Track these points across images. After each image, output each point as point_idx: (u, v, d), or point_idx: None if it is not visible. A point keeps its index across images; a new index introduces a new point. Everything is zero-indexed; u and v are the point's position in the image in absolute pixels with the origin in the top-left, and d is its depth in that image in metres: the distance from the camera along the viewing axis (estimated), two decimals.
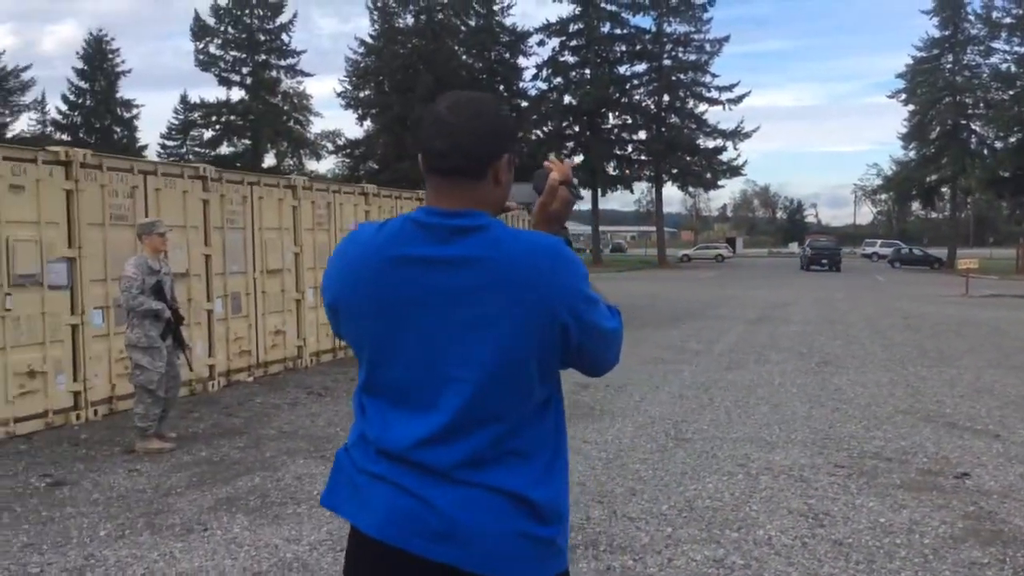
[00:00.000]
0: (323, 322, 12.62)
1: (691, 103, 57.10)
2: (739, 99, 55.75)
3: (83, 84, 56.02)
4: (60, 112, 56.04)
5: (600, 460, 6.99)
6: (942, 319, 19.14)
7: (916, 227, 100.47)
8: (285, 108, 56.77)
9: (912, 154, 57.12)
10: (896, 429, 8.06)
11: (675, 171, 56.40)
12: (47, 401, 8.36)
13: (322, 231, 12.72)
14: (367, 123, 55.07)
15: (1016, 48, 49.87)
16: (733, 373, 11.29)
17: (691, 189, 62.71)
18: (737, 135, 55.26)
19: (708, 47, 56.14)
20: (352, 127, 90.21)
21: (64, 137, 53.77)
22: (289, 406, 9.48)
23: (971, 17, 52.11)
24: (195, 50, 54.48)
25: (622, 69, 56.94)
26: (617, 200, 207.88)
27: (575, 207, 2.32)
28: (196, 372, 10.10)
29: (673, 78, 55.72)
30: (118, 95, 56.73)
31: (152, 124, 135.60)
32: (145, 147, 56.12)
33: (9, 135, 51.67)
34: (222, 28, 54.96)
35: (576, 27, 55.14)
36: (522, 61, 56.36)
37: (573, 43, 55.82)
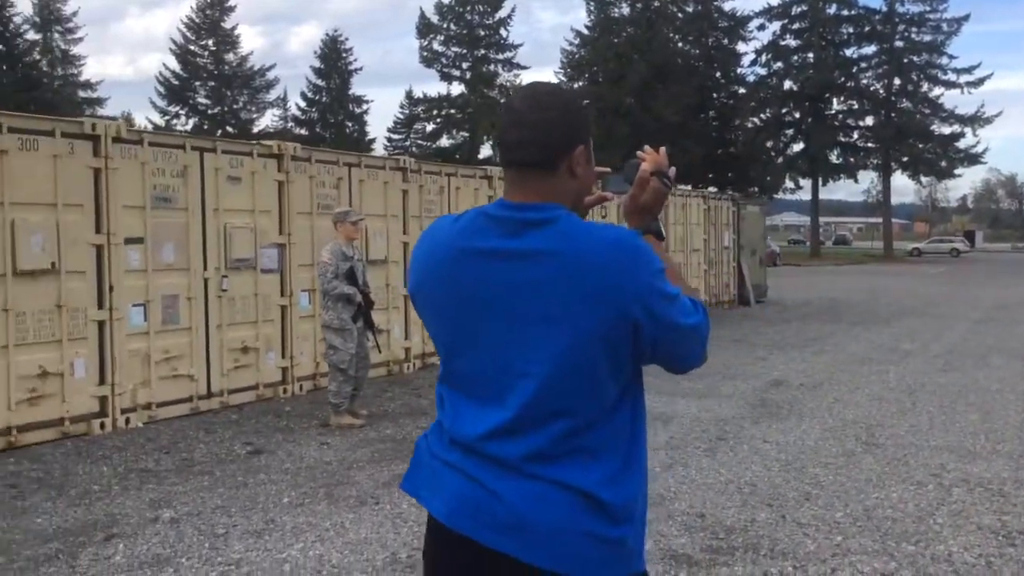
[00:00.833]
0: None
1: (925, 87, 53.35)
2: (979, 82, 51.55)
3: (319, 82, 59.70)
4: (299, 108, 60.09)
5: (778, 462, 6.72)
6: None
7: None
8: (502, 101, 58.13)
9: None
10: None
11: (905, 159, 52.91)
12: (258, 375, 9.08)
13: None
14: None
15: None
16: (946, 376, 10.49)
17: (923, 178, 58.54)
18: (977, 120, 51.10)
19: (945, 27, 52.23)
20: None
21: (302, 132, 57.69)
22: None
23: None
24: (420, 47, 56.87)
25: (848, 52, 54.05)
26: (844, 190, 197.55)
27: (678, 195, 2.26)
28: (393, 354, 10.64)
29: (905, 60, 52.25)
30: (350, 92, 60.11)
31: (380, 119, 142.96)
32: (373, 141, 59.22)
33: (255, 130, 56.09)
34: (445, 25, 56.99)
35: (799, 9, 52.86)
36: (741, 47, 54.64)
37: (796, 26, 53.58)
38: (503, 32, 57.36)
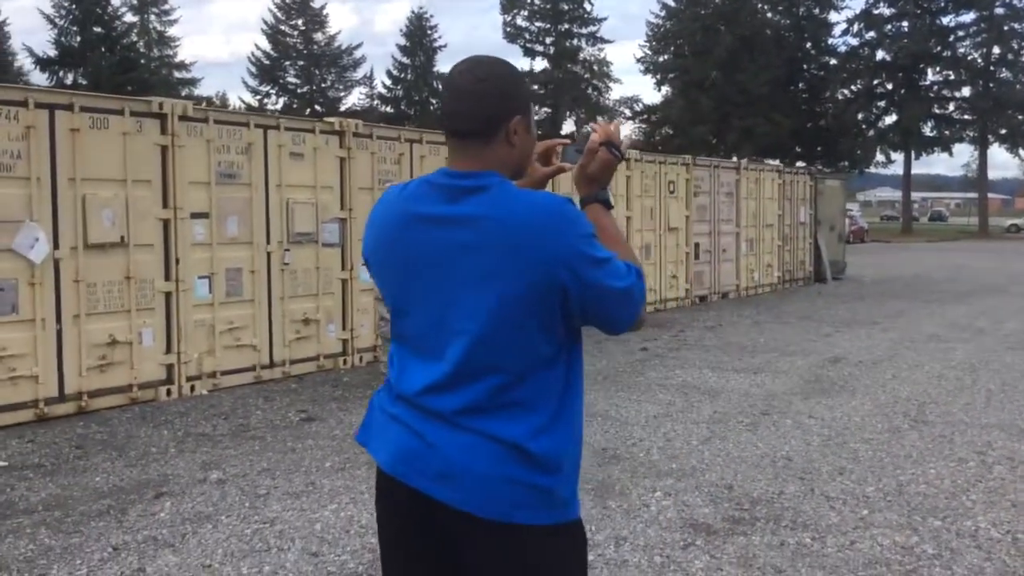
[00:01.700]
0: None
1: None
2: None
3: (405, 60, 60.24)
4: (385, 87, 60.78)
5: (819, 437, 6.69)
6: None
7: None
8: (585, 76, 57.81)
9: None
10: None
11: (1004, 131, 50.69)
12: (319, 347, 9.40)
13: None
14: (664, 88, 54.74)
15: None
16: (1013, 355, 10.17)
17: (1022, 151, 56.00)
18: None
19: None
20: (650, 92, 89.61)
21: (387, 110, 58.43)
22: None
23: None
24: (503, 23, 56.88)
25: (945, 20, 51.91)
26: (942, 164, 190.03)
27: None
28: None
29: (1006, 27, 49.89)
30: (435, 69, 60.50)
31: None
32: None
33: (341, 108, 57.05)
34: (529, 0, 56.82)
35: None
36: (832, 16, 53.03)
37: None
38: (587, 6, 56.93)
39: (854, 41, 52.65)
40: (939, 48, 50.51)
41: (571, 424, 2.04)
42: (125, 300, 7.77)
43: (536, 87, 57.52)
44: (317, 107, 56.19)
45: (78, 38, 45.82)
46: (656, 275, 14.75)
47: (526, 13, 57.05)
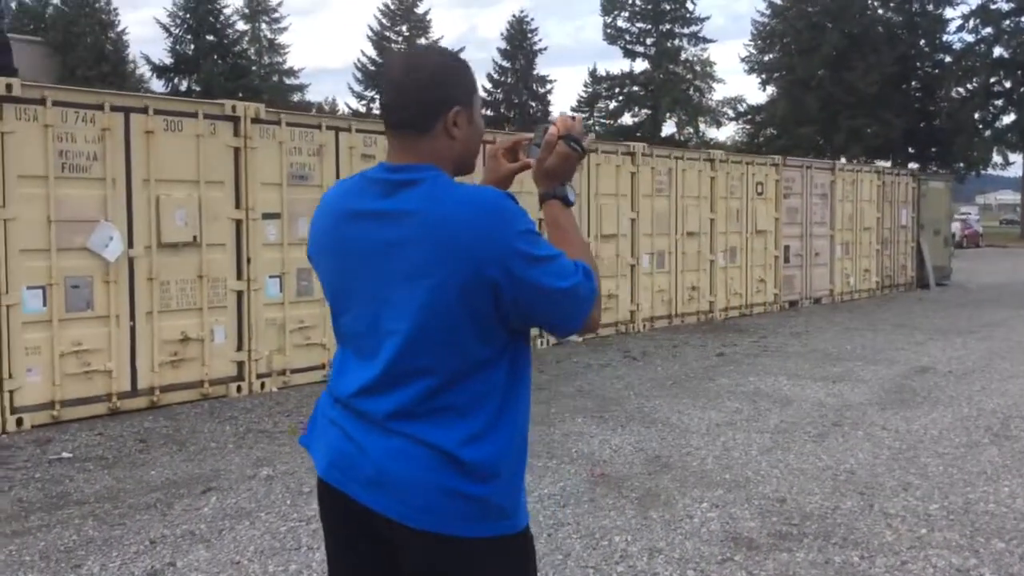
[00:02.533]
0: (658, 288, 12.76)
1: None
2: None
3: (505, 63, 60.61)
4: (485, 90, 61.19)
5: (889, 450, 6.35)
6: None
7: None
8: (687, 76, 56.99)
9: None
10: None
11: None
12: None
13: (662, 197, 12.82)
14: (769, 88, 53.48)
15: None
16: None
17: None
18: None
19: None
20: (755, 92, 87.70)
21: (488, 113, 58.88)
22: (599, 367, 9.76)
23: None
24: (604, 24, 56.60)
25: None
26: None
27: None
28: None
29: None
30: (535, 72, 60.68)
31: (564, 98, 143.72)
32: None
33: None
34: (631, 1, 56.41)
35: None
36: (947, 12, 50.77)
37: None
38: (689, 5, 56.12)
39: (970, 37, 50.26)
40: None
41: (511, 432, 1.93)
42: (197, 298, 7.97)
43: (636, 88, 57.11)
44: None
45: (192, 46, 47.75)
46: (742, 279, 14.38)
47: (627, 14, 56.61)
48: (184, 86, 47.16)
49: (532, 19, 63.34)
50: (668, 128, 55.88)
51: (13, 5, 52.17)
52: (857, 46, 46.71)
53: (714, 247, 13.77)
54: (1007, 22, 49.21)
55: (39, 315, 7.16)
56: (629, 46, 56.90)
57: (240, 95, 46.11)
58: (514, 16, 62.19)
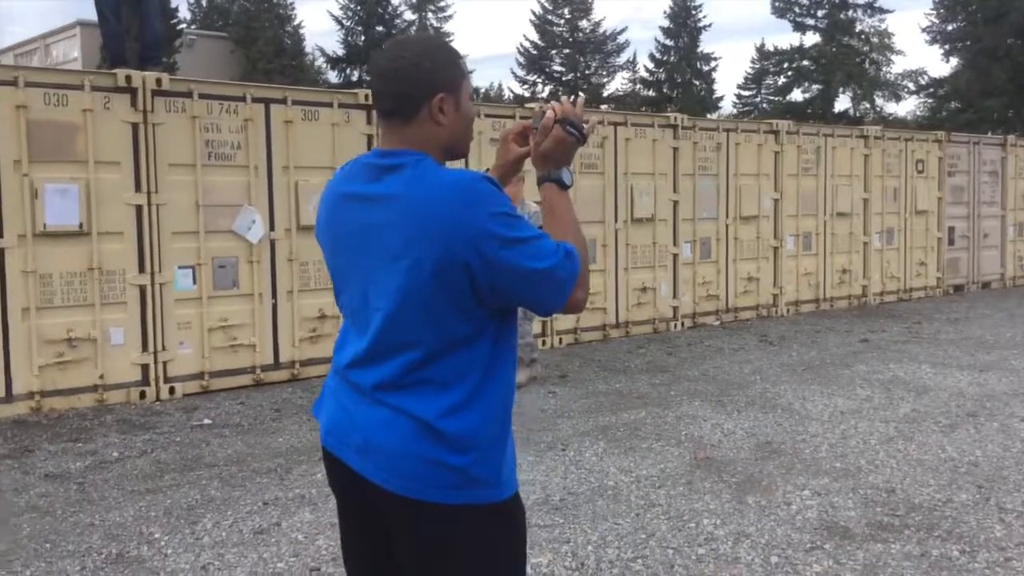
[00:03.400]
0: (804, 271, 12.33)
1: None
2: None
3: (668, 42, 59.54)
4: (647, 70, 60.46)
5: (1023, 443, 5.95)
6: None
7: None
8: (863, 49, 54.21)
9: None
10: None
11: None
12: None
13: (809, 177, 12.32)
14: (953, 59, 50.11)
15: None
16: None
17: None
18: None
19: None
20: (937, 64, 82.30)
21: (650, 93, 58.15)
22: (731, 351, 9.57)
23: None
24: None
25: None
26: None
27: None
28: (659, 311, 10.72)
29: None
30: (699, 49, 59.34)
31: (730, 76, 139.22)
32: (721, 98, 58.08)
33: (604, 94, 57.53)
34: None
35: None
36: None
37: None
38: None
39: None
40: None
41: (490, 405, 1.99)
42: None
43: (807, 63, 54.84)
44: (581, 94, 56.90)
45: (362, 38, 49.55)
46: (899, 262, 13.69)
47: None
48: (356, 76, 49.05)
49: None
50: (842, 103, 53.34)
51: (204, 2, 55.92)
52: None
53: (868, 228, 13.12)
54: None
55: (189, 293, 7.75)
56: (799, 19, 54.56)
57: None
58: None
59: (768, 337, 10.40)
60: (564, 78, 59.59)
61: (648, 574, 4.03)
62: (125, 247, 7.47)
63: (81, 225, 7.21)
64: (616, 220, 10.36)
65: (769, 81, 57.64)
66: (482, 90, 65.26)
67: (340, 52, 49.73)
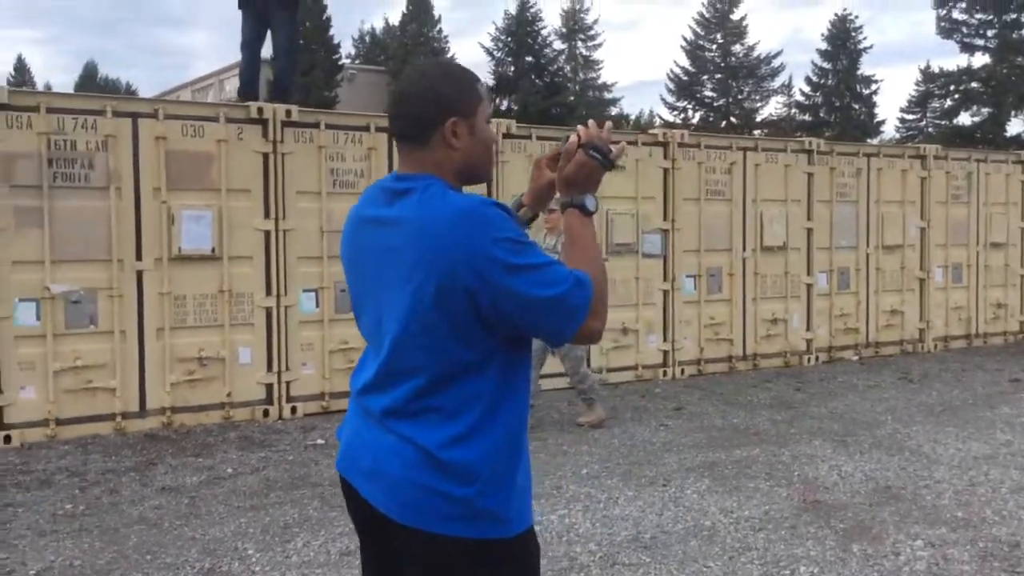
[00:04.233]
0: (954, 305, 11.58)
1: None
2: None
3: (826, 65, 57.76)
4: (803, 94, 58.77)
5: None
6: None
7: None
8: None
9: None
10: None
11: None
12: (638, 356, 9.46)
13: (959, 204, 11.59)
14: None
15: None
16: None
17: None
18: None
19: None
20: None
21: (805, 118, 56.47)
22: (866, 388, 9.07)
23: None
24: (937, 18, 52.06)
25: None
26: None
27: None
28: (791, 344, 10.31)
29: None
30: (858, 72, 57.27)
31: (892, 99, 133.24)
32: (883, 122, 55.87)
33: (758, 119, 56.34)
34: None
35: None
36: None
37: None
38: None
39: None
40: None
41: (498, 437, 1.94)
42: None
43: (976, 85, 51.91)
44: (732, 119, 56.08)
45: (512, 68, 50.45)
46: None
47: (963, 5, 51.64)
48: (504, 105, 49.94)
49: (856, 17, 59.51)
50: (1015, 127, 50.17)
51: (367, 39, 58.47)
52: None
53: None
54: None
55: (312, 315, 8.01)
56: (967, 39, 51.81)
57: (554, 111, 48.10)
58: (836, 15, 58.96)
59: (909, 374, 9.79)
60: (716, 103, 58.75)
61: None
62: (254, 271, 7.80)
63: (213, 249, 7.58)
64: (744, 248, 10.05)
65: (935, 104, 54.99)
66: (631, 117, 65.32)
67: (490, 83, 50.75)
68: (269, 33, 8.90)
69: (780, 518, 5.12)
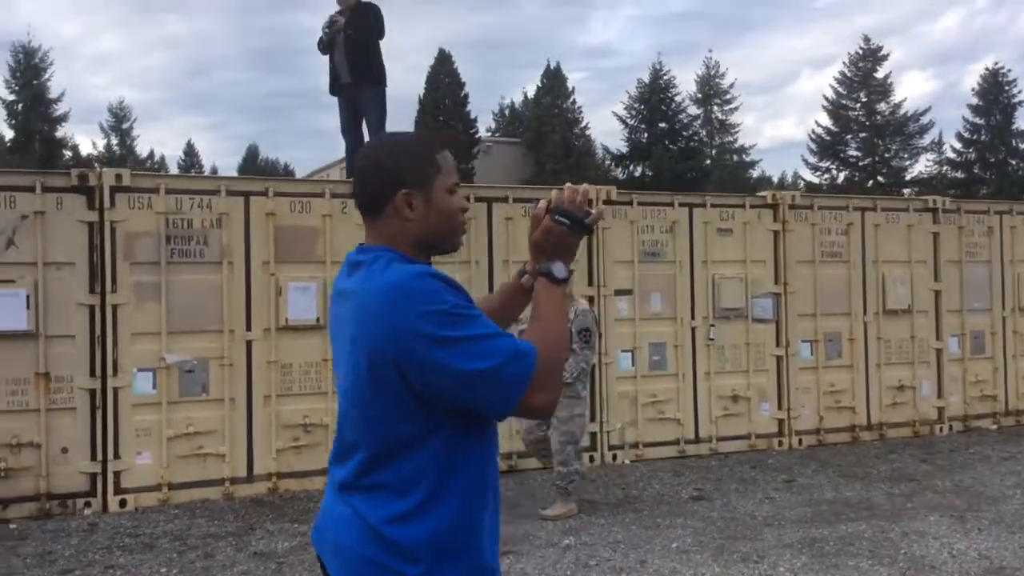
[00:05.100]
0: None
1: None
2: None
3: (978, 120, 55.29)
4: (955, 151, 56.31)
5: None
6: None
7: None
8: None
9: None
10: None
11: None
12: (750, 425, 9.10)
13: None
14: None
15: None
16: None
17: None
18: None
19: None
20: None
21: (958, 175, 54.00)
22: (999, 460, 8.40)
23: None
24: None
25: None
26: None
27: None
28: (921, 412, 9.72)
29: None
30: (1013, 127, 54.45)
31: None
32: None
33: (907, 178, 54.28)
34: None
35: None
36: None
37: None
38: None
39: None
40: None
41: (446, 515, 1.89)
42: None
43: None
44: (879, 178, 54.26)
45: (645, 135, 50.59)
46: None
47: None
48: (639, 172, 50.02)
49: (1008, 70, 56.69)
50: None
51: (507, 112, 60.07)
52: None
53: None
54: None
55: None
56: None
57: (689, 176, 47.76)
58: (987, 69, 56.46)
59: None
60: (861, 163, 56.95)
61: None
62: None
63: (318, 319, 7.83)
64: (865, 312, 9.59)
65: None
66: (774, 179, 64.09)
67: (624, 150, 51.03)
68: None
69: None
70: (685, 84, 75.20)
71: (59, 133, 47.43)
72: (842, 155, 57.34)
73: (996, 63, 62.78)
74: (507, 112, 61.52)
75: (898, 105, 56.64)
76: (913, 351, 9.73)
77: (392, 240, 2.00)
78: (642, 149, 50.31)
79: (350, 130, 9.07)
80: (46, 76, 46.94)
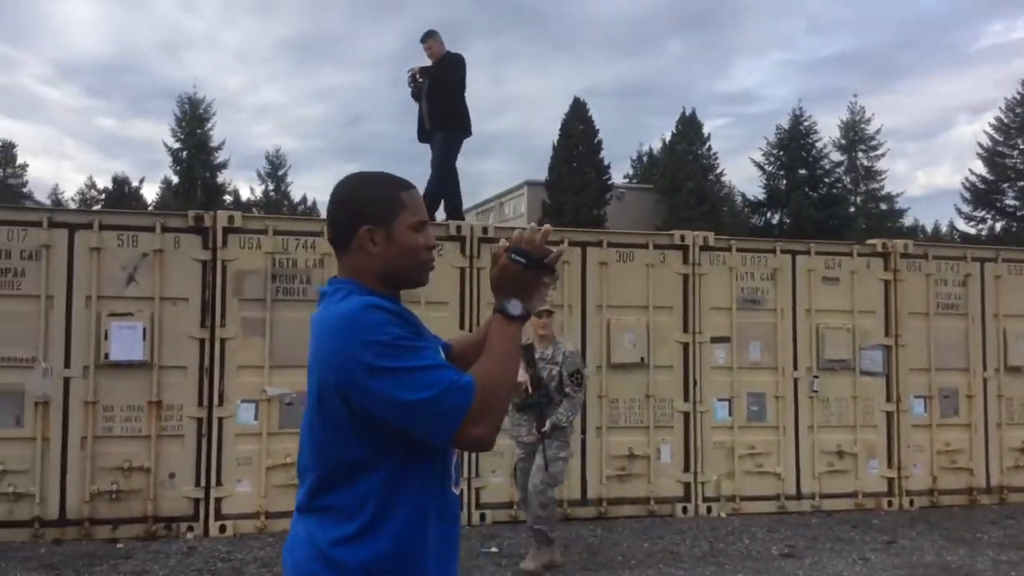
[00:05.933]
0: None
1: None
2: None
3: None
4: None
5: None
6: None
7: None
8: None
9: None
10: None
11: None
12: (857, 483, 8.71)
13: None
14: None
15: None
16: None
17: None
18: None
19: None
20: None
21: None
22: None
23: None
24: None
25: None
26: None
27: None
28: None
29: None
30: None
31: None
32: None
33: None
34: None
35: None
36: None
37: None
38: None
39: None
40: None
41: (389, 539, 1.94)
42: (644, 416, 8.34)
43: None
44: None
45: (784, 181, 49.44)
46: None
47: None
48: (776, 219, 48.87)
49: None
50: None
51: (645, 159, 59.96)
52: None
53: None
54: None
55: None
56: None
57: (831, 223, 46.24)
58: None
59: None
60: (1020, 212, 53.82)
61: None
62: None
63: None
64: (985, 368, 9.06)
65: None
66: (928, 229, 61.24)
67: (761, 196, 50.02)
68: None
69: None
70: (828, 130, 73.30)
71: (219, 179, 50.31)
72: (998, 204, 54.39)
73: None
74: (645, 159, 61.39)
75: None
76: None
77: (358, 274, 2.09)
78: (780, 196, 49.18)
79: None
80: (209, 125, 49.96)
